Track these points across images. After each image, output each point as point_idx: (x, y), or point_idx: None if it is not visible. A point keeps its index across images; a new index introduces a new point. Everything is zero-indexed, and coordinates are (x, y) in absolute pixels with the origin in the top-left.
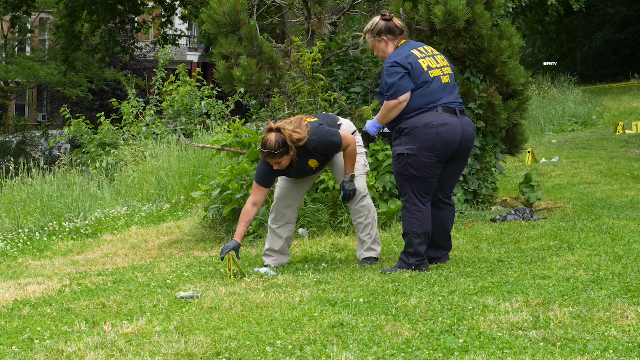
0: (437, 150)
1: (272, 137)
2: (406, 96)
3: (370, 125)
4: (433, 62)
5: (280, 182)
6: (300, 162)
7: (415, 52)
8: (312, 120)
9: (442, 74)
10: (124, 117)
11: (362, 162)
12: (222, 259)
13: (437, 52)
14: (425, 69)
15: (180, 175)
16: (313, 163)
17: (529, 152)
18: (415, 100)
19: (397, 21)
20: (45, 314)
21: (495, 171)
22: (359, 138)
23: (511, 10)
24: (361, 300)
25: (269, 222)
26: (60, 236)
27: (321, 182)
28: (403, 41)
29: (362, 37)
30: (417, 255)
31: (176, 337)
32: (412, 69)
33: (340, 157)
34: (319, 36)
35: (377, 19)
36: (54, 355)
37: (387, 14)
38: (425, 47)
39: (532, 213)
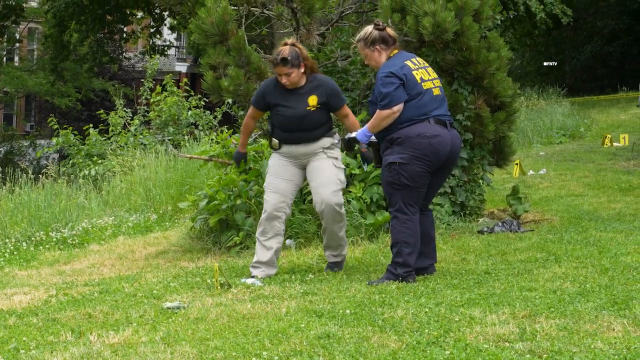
0: (428, 160)
1: (287, 47)
2: (399, 107)
3: (361, 133)
4: (425, 74)
5: (270, 185)
6: (302, 91)
7: (408, 63)
8: None
9: (433, 86)
10: (111, 128)
11: (341, 177)
12: (238, 166)
13: (427, 64)
14: (419, 81)
15: (167, 186)
16: (312, 100)
17: (516, 164)
18: (408, 111)
19: (389, 31)
20: (31, 324)
21: (483, 183)
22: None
23: (499, 22)
24: (348, 311)
25: (257, 235)
26: (47, 246)
27: (308, 192)
28: (395, 51)
29: (353, 46)
30: (405, 266)
31: (162, 348)
32: (406, 80)
33: (322, 164)
34: (307, 47)
35: (370, 28)
36: None
37: (380, 23)
38: (417, 58)
39: (519, 225)
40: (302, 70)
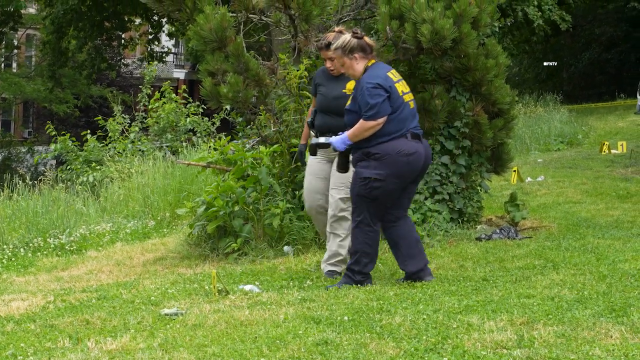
0: (404, 178)
1: (333, 33)
2: (384, 119)
3: (340, 141)
4: (404, 86)
5: (306, 183)
6: (344, 77)
7: (390, 75)
8: None
9: (410, 99)
10: (109, 134)
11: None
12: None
13: (401, 77)
14: (401, 94)
15: (165, 192)
16: (350, 84)
17: (514, 171)
18: (389, 125)
19: (368, 40)
20: (28, 330)
21: (481, 190)
22: None
23: (497, 29)
24: (345, 318)
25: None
26: (44, 252)
27: None
28: (372, 60)
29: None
30: (362, 273)
31: (160, 354)
32: (391, 92)
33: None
34: (305, 54)
35: (348, 36)
36: None
37: (359, 32)
38: (394, 70)
39: (517, 232)
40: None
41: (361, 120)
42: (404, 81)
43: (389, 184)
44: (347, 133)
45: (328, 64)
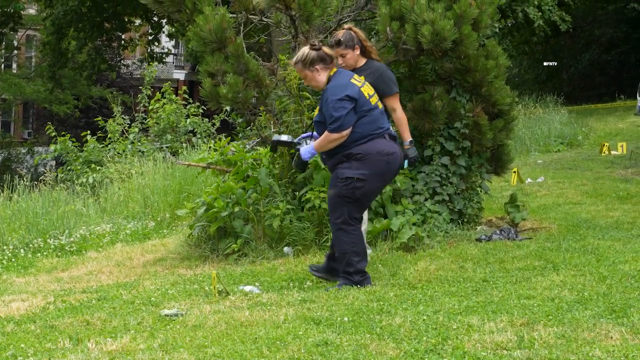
0: (385, 178)
1: (342, 31)
2: (349, 131)
3: (306, 150)
4: (369, 89)
5: None
6: (354, 73)
7: (354, 81)
8: None
9: (377, 100)
10: (109, 135)
11: None
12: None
13: (364, 81)
14: (367, 97)
15: (165, 193)
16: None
17: (514, 172)
18: (364, 127)
19: (326, 49)
20: (29, 331)
21: (481, 191)
22: None
23: (498, 30)
24: (345, 319)
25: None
26: (44, 253)
27: (307, 200)
28: (334, 69)
29: (290, 67)
30: (359, 273)
31: (160, 355)
32: (358, 98)
33: None
34: None
35: (306, 49)
36: None
37: (316, 43)
38: (356, 75)
39: (517, 233)
40: (357, 52)
41: (326, 132)
42: (367, 84)
43: (371, 184)
44: (313, 143)
45: (339, 61)
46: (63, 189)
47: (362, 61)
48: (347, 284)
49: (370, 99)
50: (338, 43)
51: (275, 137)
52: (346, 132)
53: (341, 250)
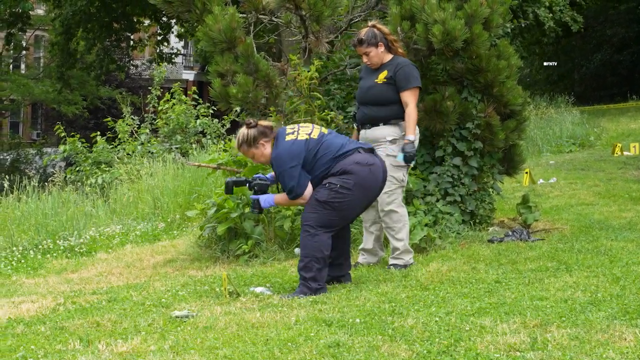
0: (369, 190)
1: (365, 29)
2: (310, 189)
3: (265, 201)
4: (305, 129)
5: None
6: (380, 68)
7: (290, 137)
8: None
9: (318, 130)
10: (119, 135)
11: (396, 175)
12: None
13: (297, 123)
14: (307, 138)
15: (175, 194)
16: (382, 74)
17: (526, 172)
18: (325, 159)
19: (262, 122)
20: (39, 332)
21: (493, 192)
22: None
23: (509, 31)
24: (357, 320)
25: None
26: (54, 254)
27: None
28: (273, 138)
29: (236, 152)
30: (316, 280)
31: (171, 357)
32: (304, 152)
33: None
34: (316, 54)
35: (244, 130)
36: None
37: (251, 121)
38: (287, 127)
39: (529, 234)
40: (382, 49)
41: (286, 195)
42: (303, 123)
43: (354, 194)
44: (275, 196)
45: (365, 59)
46: (72, 190)
47: (388, 57)
48: (304, 292)
49: (312, 135)
50: (360, 42)
51: (230, 178)
52: (307, 193)
53: (304, 253)
